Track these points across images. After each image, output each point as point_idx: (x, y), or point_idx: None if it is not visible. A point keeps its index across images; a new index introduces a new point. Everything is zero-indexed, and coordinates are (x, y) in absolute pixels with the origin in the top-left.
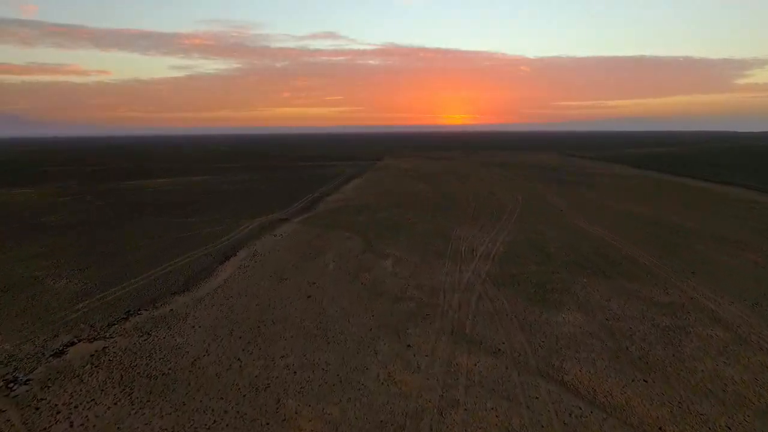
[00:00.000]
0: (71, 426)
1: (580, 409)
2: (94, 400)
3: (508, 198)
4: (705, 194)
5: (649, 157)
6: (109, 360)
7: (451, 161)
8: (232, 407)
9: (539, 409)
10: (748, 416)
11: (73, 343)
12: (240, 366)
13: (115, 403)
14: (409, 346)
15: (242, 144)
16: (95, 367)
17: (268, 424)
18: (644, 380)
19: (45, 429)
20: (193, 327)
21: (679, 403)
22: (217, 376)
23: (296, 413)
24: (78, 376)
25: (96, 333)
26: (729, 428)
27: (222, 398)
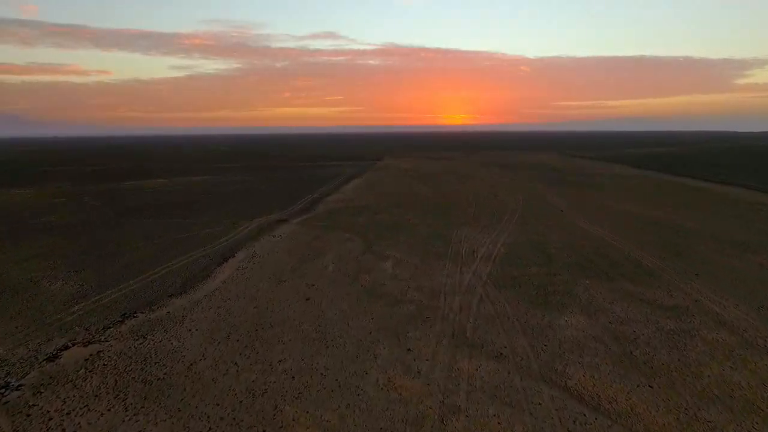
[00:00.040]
0: None
1: (585, 415)
2: (87, 406)
3: (508, 198)
4: (705, 194)
5: (649, 157)
6: (104, 364)
7: (451, 161)
8: (229, 414)
9: (542, 416)
10: (757, 423)
11: (67, 347)
12: (237, 371)
13: (109, 410)
14: (409, 350)
15: (242, 144)
16: (89, 371)
17: (264, 431)
18: (649, 386)
19: None
20: (190, 330)
21: (686, 409)
22: (213, 381)
23: (294, 420)
24: (71, 381)
25: (91, 336)
26: None
27: (218, 404)
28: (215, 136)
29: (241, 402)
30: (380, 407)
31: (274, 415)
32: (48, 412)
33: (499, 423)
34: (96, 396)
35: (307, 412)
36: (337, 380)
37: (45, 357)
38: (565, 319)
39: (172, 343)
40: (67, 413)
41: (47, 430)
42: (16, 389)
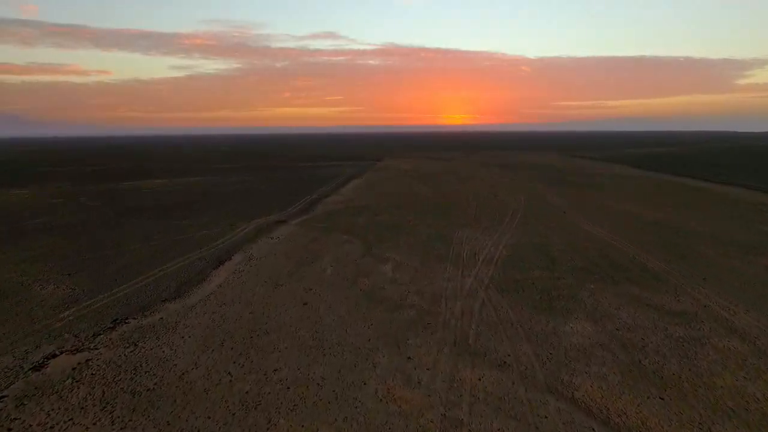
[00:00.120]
0: None
1: (593, 430)
2: (72, 419)
3: (509, 199)
4: (705, 194)
5: (649, 157)
6: (92, 374)
7: (451, 161)
8: (220, 428)
9: (549, 431)
10: None
11: (55, 355)
12: (230, 380)
13: (95, 423)
14: (409, 358)
15: (242, 144)
16: (76, 381)
17: None
18: (660, 397)
19: None
20: (183, 337)
21: (700, 423)
22: (205, 392)
23: None
24: (57, 392)
25: (80, 344)
26: None
27: (209, 417)
28: (215, 136)
29: (233, 415)
30: (379, 421)
31: (268, 428)
32: (30, 426)
33: None
34: (82, 408)
35: (302, 425)
36: (334, 391)
37: (31, 366)
38: (571, 325)
39: (163, 351)
40: (51, 427)
41: None
42: None
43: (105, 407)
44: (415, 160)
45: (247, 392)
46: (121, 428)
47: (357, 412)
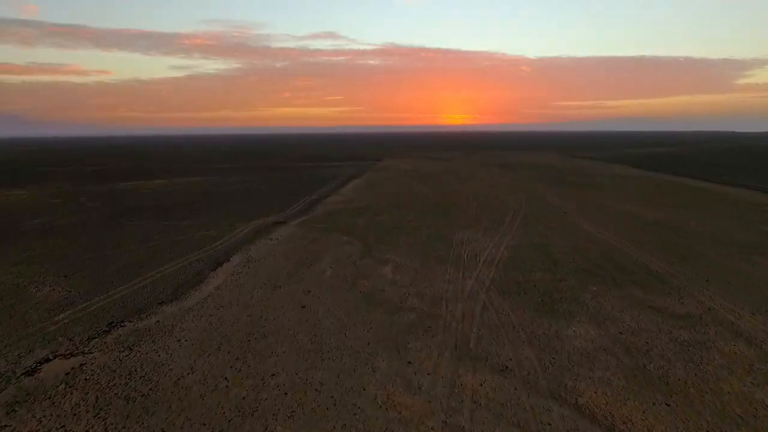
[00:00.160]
0: None
1: None
2: (64, 426)
3: (510, 199)
4: (705, 194)
5: (649, 157)
6: (85, 379)
7: (451, 161)
8: None
9: None
10: None
11: (48, 360)
12: (227, 386)
13: (87, 430)
14: (409, 362)
15: (242, 144)
16: (69, 387)
17: None
18: (666, 404)
19: None
20: (179, 341)
21: (707, 431)
22: (201, 398)
23: None
24: (50, 398)
25: (75, 348)
26: None
27: (205, 424)
28: (215, 136)
29: (230, 421)
30: (378, 428)
31: None
32: None
33: None
34: (74, 415)
35: None
36: (332, 397)
37: (24, 371)
38: (573, 328)
39: (159, 356)
40: None
41: None
42: None
43: (98, 414)
44: (415, 160)
45: (243, 398)
46: None
47: (356, 418)
